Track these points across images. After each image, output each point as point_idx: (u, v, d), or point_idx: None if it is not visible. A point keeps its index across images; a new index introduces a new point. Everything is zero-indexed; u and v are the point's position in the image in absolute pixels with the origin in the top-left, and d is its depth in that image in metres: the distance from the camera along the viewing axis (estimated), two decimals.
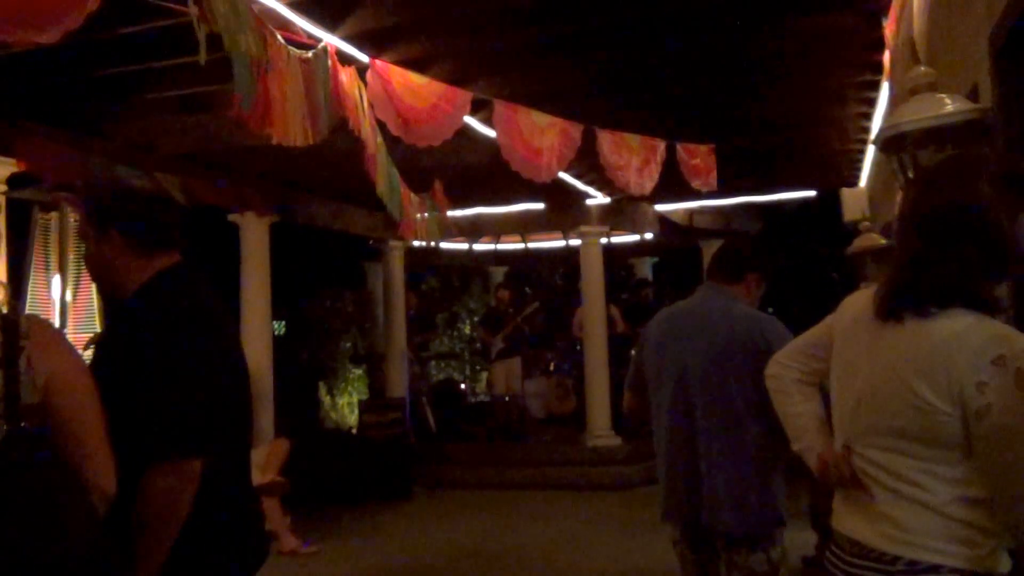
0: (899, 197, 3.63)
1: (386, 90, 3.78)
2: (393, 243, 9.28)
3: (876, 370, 1.63)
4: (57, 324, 4.82)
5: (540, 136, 4.44)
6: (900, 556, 1.56)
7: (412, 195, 5.11)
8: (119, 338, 1.91)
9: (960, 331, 1.51)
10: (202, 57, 2.27)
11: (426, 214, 5.57)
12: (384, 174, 4.06)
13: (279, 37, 3.04)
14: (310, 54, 3.23)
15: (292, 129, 3.04)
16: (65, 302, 4.80)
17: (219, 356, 1.96)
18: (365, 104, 3.66)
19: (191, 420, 1.80)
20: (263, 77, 2.87)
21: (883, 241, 4.41)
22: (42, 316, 4.92)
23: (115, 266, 1.97)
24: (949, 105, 2.27)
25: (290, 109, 3.03)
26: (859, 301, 1.78)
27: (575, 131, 4.62)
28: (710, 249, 9.38)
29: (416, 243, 5.79)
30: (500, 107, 4.26)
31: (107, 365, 1.87)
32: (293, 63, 3.08)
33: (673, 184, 5.40)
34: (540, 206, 8.92)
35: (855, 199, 6.68)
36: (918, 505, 1.56)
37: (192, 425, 1.80)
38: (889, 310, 1.61)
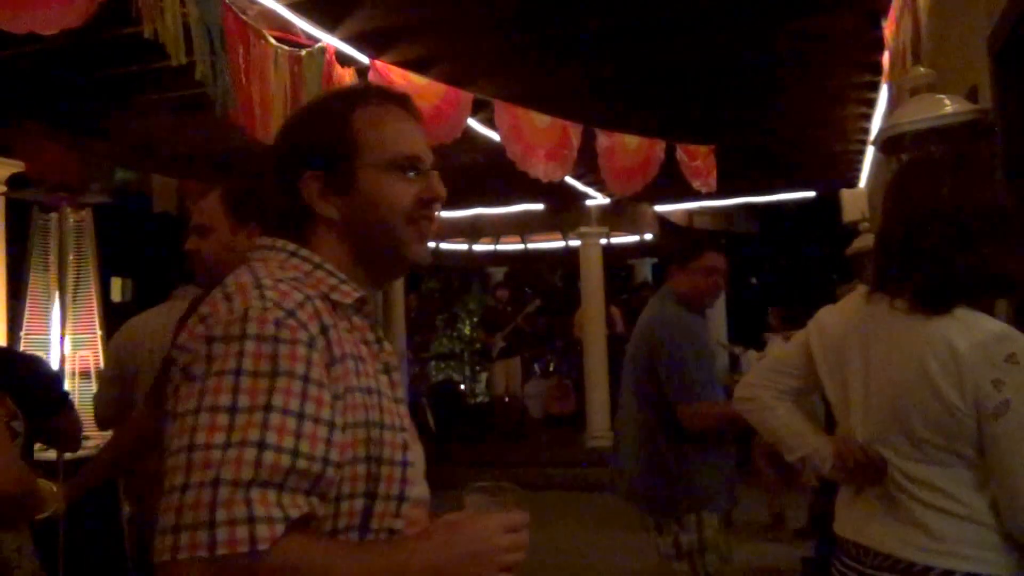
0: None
1: None
2: None
3: (892, 376, 1.58)
4: (57, 325, 4.82)
5: (541, 136, 4.44)
6: (933, 566, 1.51)
7: None
8: None
9: (970, 330, 1.50)
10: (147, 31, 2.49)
11: None
12: None
13: (270, 39, 3.05)
14: (303, 52, 3.24)
15: (274, 129, 3.07)
16: (65, 303, 4.79)
17: None
18: None
19: None
20: (245, 78, 2.88)
21: None
22: (42, 316, 4.93)
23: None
24: (948, 106, 2.28)
25: (273, 109, 3.05)
26: (841, 313, 1.75)
27: (577, 131, 4.63)
28: None
29: None
30: (501, 108, 4.27)
31: None
32: (282, 63, 3.09)
33: (673, 185, 5.41)
34: (540, 207, 8.92)
35: (854, 200, 6.68)
36: (949, 513, 1.52)
37: None
38: (912, 305, 1.57)
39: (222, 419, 0.93)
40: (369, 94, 1.19)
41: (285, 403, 0.95)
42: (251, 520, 0.89)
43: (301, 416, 0.96)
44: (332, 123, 1.16)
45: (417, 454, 1.13)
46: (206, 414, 0.94)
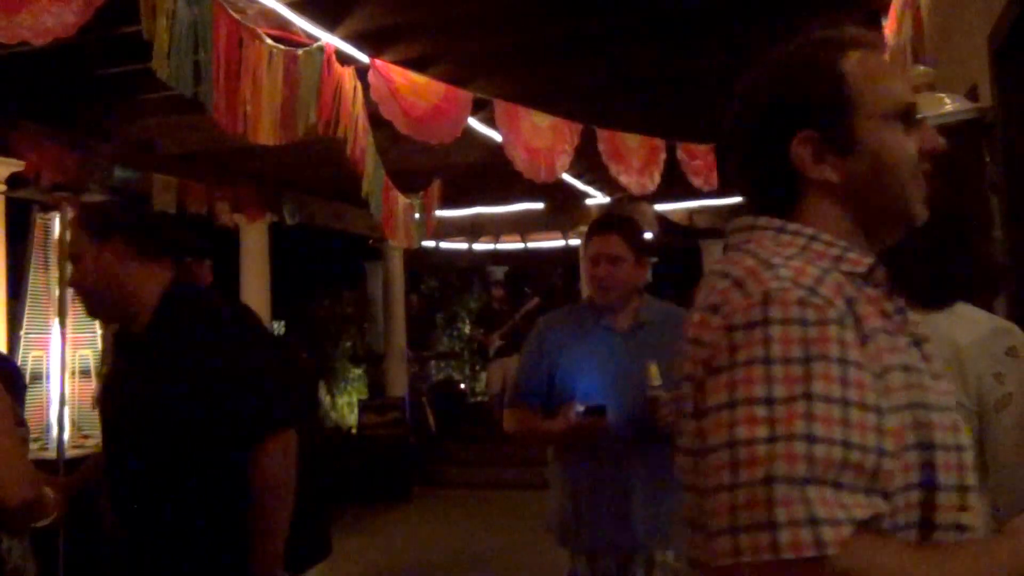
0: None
1: (390, 89, 3.78)
2: (393, 243, 9.26)
3: None
4: (57, 324, 4.83)
5: (540, 136, 4.44)
6: None
7: (399, 196, 5.10)
8: (159, 360, 1.97)
9: (970, 324, 1.51)
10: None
11: (415, 215, 5.56)
12: (370, 174, 4.03)
13: (266, 38, 3.04)
14: (300, 52, 3.23)
15: (264, 129, 3.06)
16: (65, 302, 4.79)
17: (264, 344, 2.19)
18: (359, 104, 3.65)
19: (275, 397, 1.98)
20: (234, 78, 2.88)
21: None
22: (42, 316, 4.93)
23: (118, 275, 2.01)
24: (948, 104, 2.27)
25: (263, 109, 3.04)
26: None
27: (575, 131, 4.62)
28: (710, 249, 9.37)
29: (401, 244, 5.80)
30: (501, 107, 4.26)
31: (151, 386, 1.95)
32: (276, 63, 3.08)
33: (673, 184, 5.41)
34: (539, 206, 8.91)
35: None
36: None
37: (277, 401, 1.98)
38: (910, 304, 1.58)
39: (760, 411, 0.87)
40: (850, 38, 1.10)
41: (826, 390, 0.87)
42: (813, 521, 0.83)
43: (845, 403, 0.87)
44: (824, 75, 1.06)
45: (967, 437, 1.03)
46: (742, 407, 0.88)
